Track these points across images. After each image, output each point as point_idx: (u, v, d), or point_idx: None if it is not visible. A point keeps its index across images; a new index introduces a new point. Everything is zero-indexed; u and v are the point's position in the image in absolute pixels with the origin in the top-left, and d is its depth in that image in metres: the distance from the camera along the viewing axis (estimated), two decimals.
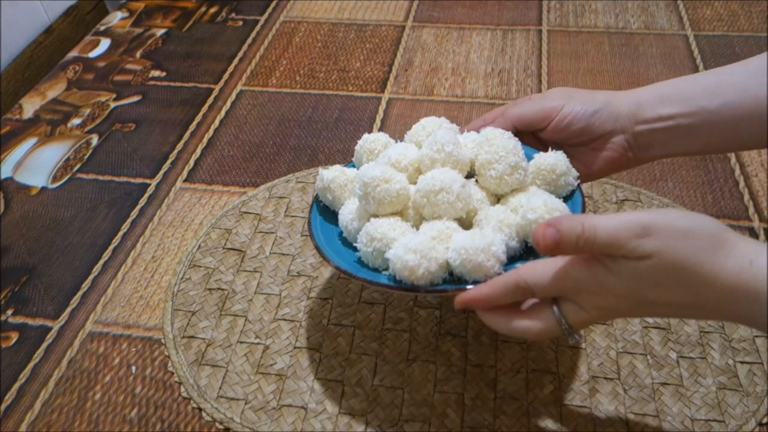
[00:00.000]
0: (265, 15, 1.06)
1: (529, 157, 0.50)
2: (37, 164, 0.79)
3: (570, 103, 0.49)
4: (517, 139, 0.49)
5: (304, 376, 0.54)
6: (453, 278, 0.44)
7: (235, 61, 0.96)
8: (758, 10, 1.00)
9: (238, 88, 0.90)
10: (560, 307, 0.39)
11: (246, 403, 0.53)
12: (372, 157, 0.53)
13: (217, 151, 0.79)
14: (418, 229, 0.48)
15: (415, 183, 0.48)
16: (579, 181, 0.50)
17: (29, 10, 0.96)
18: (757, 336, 0.55)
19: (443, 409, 0.52)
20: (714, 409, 0.50)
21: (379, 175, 0.46)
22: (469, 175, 0.51)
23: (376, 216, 0.47)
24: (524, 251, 0.47)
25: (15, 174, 0.78)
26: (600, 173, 0.51)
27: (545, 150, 0.50)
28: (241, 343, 0.57)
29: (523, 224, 0.45)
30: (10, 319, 0.61)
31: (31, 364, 0.57)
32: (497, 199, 0.50)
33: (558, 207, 0.44)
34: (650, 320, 0.57)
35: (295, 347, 0.57)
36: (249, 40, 1.00)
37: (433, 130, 0.52)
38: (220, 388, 0.54)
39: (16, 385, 0.56)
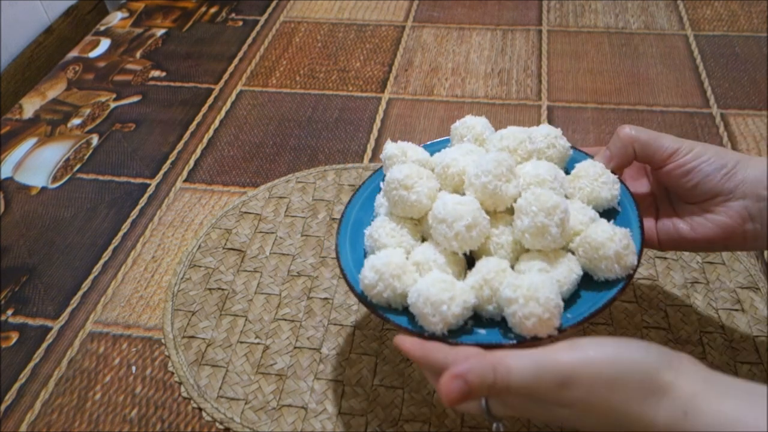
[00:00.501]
0: (265, 15, 1.06)
1: (620, 216, 0.46)
2: (37, 164, 0.79)
3: (700, 148, 0.44)
4: (612, 194, 0.45)
5: (304, 376, 0.54)
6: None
7: (235, 61, 0.96)
8: (758, 10, 1.00)
9: (238, 88, 0.90)
10: (488, 400, 0.36)
11: (246, 403, 0.53)
12: (461, 143, 0.51)
13: (217, 151, 0.79)
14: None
15: (458, 191, 0.46)
16: (630, 273, 0.42)
17: (29, 10, 0.96)
18: (756, 336, 0.55)
19: (443, 409, 0.52)
20: None
21: (401, 179, 0.44)
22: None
23: (392, 215, 0.46)
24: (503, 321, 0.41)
25: (15, 174, 0.78)
26: (706, 242, 0.45)
27: (651, 192, 0.47)
28: (241, 343, 0.57)
29: (500, 297, 0.40)
30: (10, 319, 0.61)
31: (31, 364, 0.57)
32: (525, 249, 0.45)
33: (539, 297, 0.38)
34: (650, 320, 0.57)
35: (295, 347, 0.57)
36: (249, 40, 1.00)
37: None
38: (220, 388, 0.54)
39: (16, 385, 0.56)
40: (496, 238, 0.44)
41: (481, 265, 0.42)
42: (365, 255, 0.47)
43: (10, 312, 0.62)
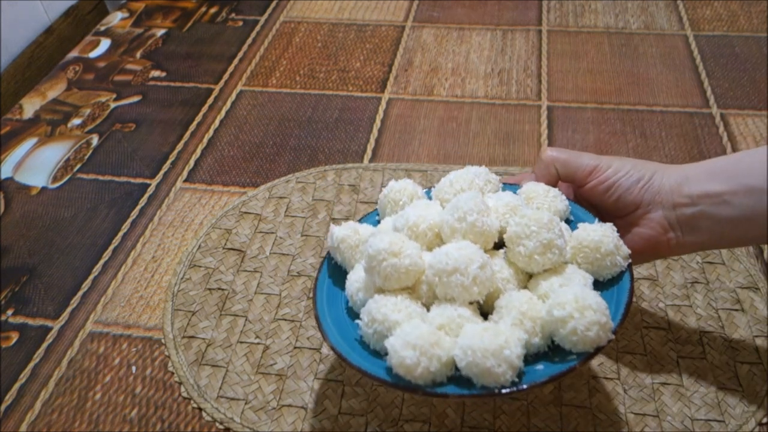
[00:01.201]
0: (265, 15, 1.06)
1: (576, 223, 0.45)
2: (38, 164, 0.79)
3: (618, 163, 0.45)
4: (565, 204, 0.46)
5: (304, 376, 0.54)
6: (461, 376, 0.38)
7: (235, 61, 0.96)
8: (758, 10, 1.00)
9: (238, 88, 0.90)
10: None
11: (246, 403, 0.53)
12: (396, 209, 0.48)
13: (217, 151, 0.79)
14: (429, 307, 0.42)
15: (431, 248, 0.43)
16: (629, 260, 0.42)
17: (29, 10, 0.96)
18: (756, 336, 0.55)
19: (443, 409, 0.52)
20: (714, 409, 0.50)
21: (387, 247, 0.40)
22: (500, 245, 0.45)
23: (382, 291, 0.42)
24: (550, 349, 0.40)
25: (15, 174, 0.78)
26: (636, 254, 0.44)
27: (594, 211, 0.46)
28: (241, 343, 0.57)
29: (548, 320, 0.38)
30: (11, 319, 0.61)
31: (31, 364, 0.57)
32: (528, 276, 0.44)
33: (591, 304, 0.37)
34: (650, 320, 0.57)
35: (295, 347, 0.57)
36: (249, 41, 1.00)
37: (462, 188, 0.47)
38: (220, 388, 0.54)
39: (17, 385, 0.56)
40: (499, 274, 0.42)
41: (506, 301, 0.40)
42: (362, 339, 0.43)
43: (10, 312, 0.62)
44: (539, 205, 0.46)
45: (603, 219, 0.45)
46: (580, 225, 0.44)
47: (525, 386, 0.37)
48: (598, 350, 0.38)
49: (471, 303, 0.41)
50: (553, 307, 0.38)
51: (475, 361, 0.36)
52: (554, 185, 0.48)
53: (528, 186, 0.47)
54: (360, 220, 0.51)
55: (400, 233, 0.44)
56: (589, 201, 0.48)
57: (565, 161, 0.47)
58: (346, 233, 0.46)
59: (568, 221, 0.47)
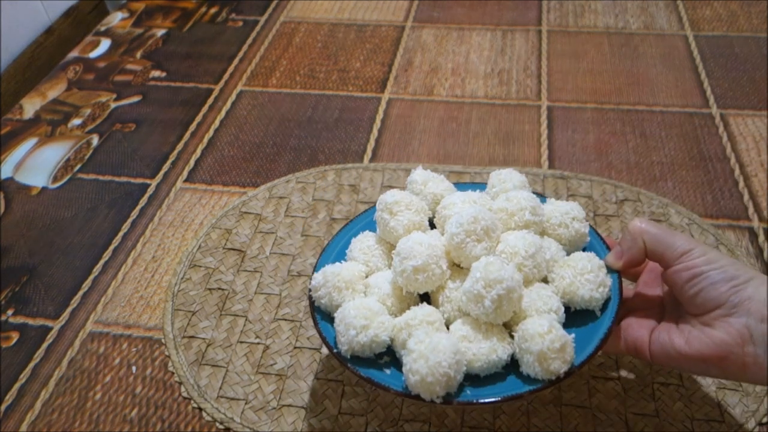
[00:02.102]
0: (265, 15, 1.06)
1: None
2: (38, 164, 0.79)
3: (714, 255, 0.40)
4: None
5: (304, 376, 0.54)
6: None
7: (235, 61, 0.96)
8: (758, 11, 1.00)
9: (238, 88, 0.90)
10: None
11: (246, 403, 0.53)
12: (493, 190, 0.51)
13: (217, 151, 0.79)
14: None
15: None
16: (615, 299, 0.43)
17: (30, 10, 0.96)
18: None
19: (443, 409, 0.52)
20: (714, 409, 0.50)
21: (390, 202, 0.47)
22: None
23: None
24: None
25: (15, 174, 0.78)
26: (700, 360, 0.40)
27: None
28: (242, 343, 0.57)
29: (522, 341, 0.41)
30: (11, 319, 0.61)
31: (31, 364, 0.57)
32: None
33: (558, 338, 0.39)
34: None
35: (295, 347, 0.57)
36: (249, 41, 1.00)
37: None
38: (220, 388, 0.54)
39: (17, 385, 0.56)
40: (449, 291, 0.44)
41: (414, 310, 0.42)
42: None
43: (10, 312, 0.62)
44: (564, 276, 0.44)
45: (683, 314, 0.42)
46: (550, 314, 0.43)
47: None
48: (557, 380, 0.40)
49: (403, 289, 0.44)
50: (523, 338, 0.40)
51: (336, 321, 0.43)
52: (640, 261, 0.44)
53: (582, 255, 0.45)
54: (353, 220, 0.53)
55: (415, 199, 0.48)
56: (671, 287, 0.43)
57: (656, 236, 0.42)
58: (416, 178, 0.51)
59: (586, 312, 0.45)
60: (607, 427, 0.50)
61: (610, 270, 0.45)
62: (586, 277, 0.43)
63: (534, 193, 0.49)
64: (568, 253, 0.47)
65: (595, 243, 0.48)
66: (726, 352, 0.39)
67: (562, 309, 0.43)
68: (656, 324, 0.44)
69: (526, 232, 0.45)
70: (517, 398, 0.39)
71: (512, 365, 0.42)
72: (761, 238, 0.64)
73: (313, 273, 0.47)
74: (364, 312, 0.42)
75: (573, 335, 0.41)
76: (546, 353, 0.39)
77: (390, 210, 0.47)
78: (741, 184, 0.71)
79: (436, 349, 0.38)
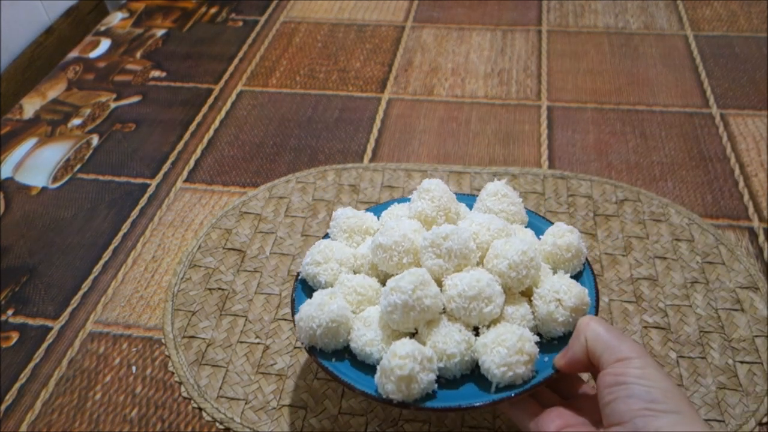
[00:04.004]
0: (265, 15, 1.06)
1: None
2: (38, 164, 0.79)
3: (654, 373, 0.35)
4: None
5: (304, 376, 0.54)
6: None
7: (235, 61, 0.96)
8: (758, 10, 1.00)
9: (238, 88, 0.90)
10: None
11: (246, 403, 0.53)
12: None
13: (217, 151, 0.79)
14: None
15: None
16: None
17: (30, 10, 0.96)
18: (756, 336, 0.55)
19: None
20: (714, 408, 0.50)
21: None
22: None
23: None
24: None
25: (15, 174, 0.78)
26: None
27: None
28: (242, 343, 0.57)
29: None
30: (11, 319, 0.61)
31: (31, 364, 0.57)
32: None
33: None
34: (650, 320, 0.57)
35: (295, 347, 0.57)
36: (249, 41, 1.00)
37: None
38: (220, 388, 0.54)
39: (17, 385, 0.56)
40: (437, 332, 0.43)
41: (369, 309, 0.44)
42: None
43: (10, 312, 0.62)
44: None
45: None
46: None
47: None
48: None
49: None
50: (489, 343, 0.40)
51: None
52: (584, 362, 0.39)
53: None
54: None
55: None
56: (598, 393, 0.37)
57: (598, 335, 0.38)
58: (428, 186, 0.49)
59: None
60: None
61: (554, 367, 0.41)
62: (499, 348, 0.40)
63: (528, 210, 0.50)
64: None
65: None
66: None
67: (458, 358, 0.41)
68: (575, 428, 0.39)
69: (488, 277, 0.42)
70: (348, 387, 0.41)
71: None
72: (761, 238, 0.64)
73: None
74: (326, 251, 0.47)
75: (434, 378, 0.40)
76: (387, 372, 0.39)
77: (420, 194, 0.48)
78: (741, 184, 0.71)
79: (320, 307, 0.43)
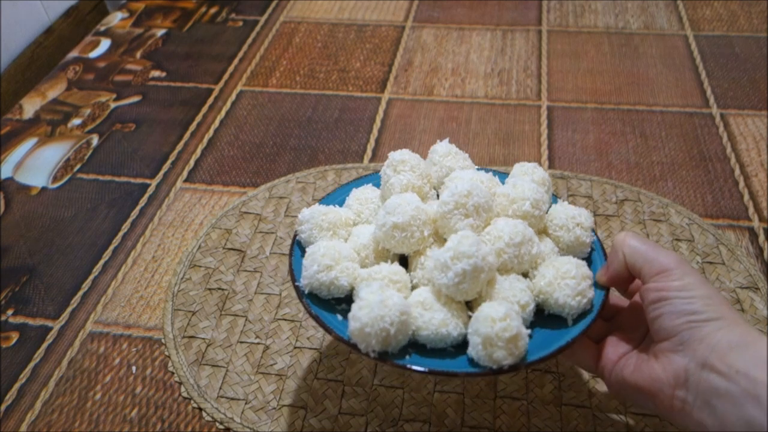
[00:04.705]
0: (265, 15, 1.06)
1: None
2: (38, 164, 0.79)
3: (692, 281, 0.37)
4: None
5: (304, 376, 0.54)
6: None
7: (235, 61, 0.96)
8: (758, 10, 1.00)
9: (238, 88, 0.90)
10: None
11: (246, 403, 0.53)
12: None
13: (217, 151, 0.79)
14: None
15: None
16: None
17: (29, 10, 0.96)
18: None
19: (443, 409, 0.52)
20: None
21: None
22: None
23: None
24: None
25: (15, 174, 0.78)
26: (634, 389, 0.38)
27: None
28: (242, 343, 0.57)
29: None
30: (11, 319, 0.61)
31: (31, 364, 0.57)
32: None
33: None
34: None
35: (295, 347, 0.57)
36: (249, 41, 1.00)
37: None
38: (220, 388, 0.54)
39: (17, 385, 0.56)
40: (425, 258, 0.43)
41: (381, 266, 0.42)
42: None
43: (10, 312, 0.62)
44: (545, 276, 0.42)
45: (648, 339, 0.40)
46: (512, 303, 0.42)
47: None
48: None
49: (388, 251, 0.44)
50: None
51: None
52: (625, 277, 0.41)
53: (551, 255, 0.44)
54: (366, 176, 0.53)
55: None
56: (643, 300, 0.39)
57: (635, 250, 0.39)
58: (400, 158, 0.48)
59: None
60: (607, 427, 0.50)
61: (599, 286, 0.42)
62: (566, 281, 0.41)
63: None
64: None
65: (597, 257, 0.45)
66: (656, 390, 0.36)
67: (532, 305, 0.41)
68: (631, 349, 0.41)
69: (519, 221, 0.43)
70: (450, 375, 0.39)
71: (465, 347, 0.40)
72: (761, 238, 0.64)
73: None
74: (333, 253, 0.42)
75: (530, 332, 0.39)
76: (493, 339, 0.37)
77: (395, 167, 0.46)
78: (741, 184, 0.71)
79: (384, 303, 0.38)
